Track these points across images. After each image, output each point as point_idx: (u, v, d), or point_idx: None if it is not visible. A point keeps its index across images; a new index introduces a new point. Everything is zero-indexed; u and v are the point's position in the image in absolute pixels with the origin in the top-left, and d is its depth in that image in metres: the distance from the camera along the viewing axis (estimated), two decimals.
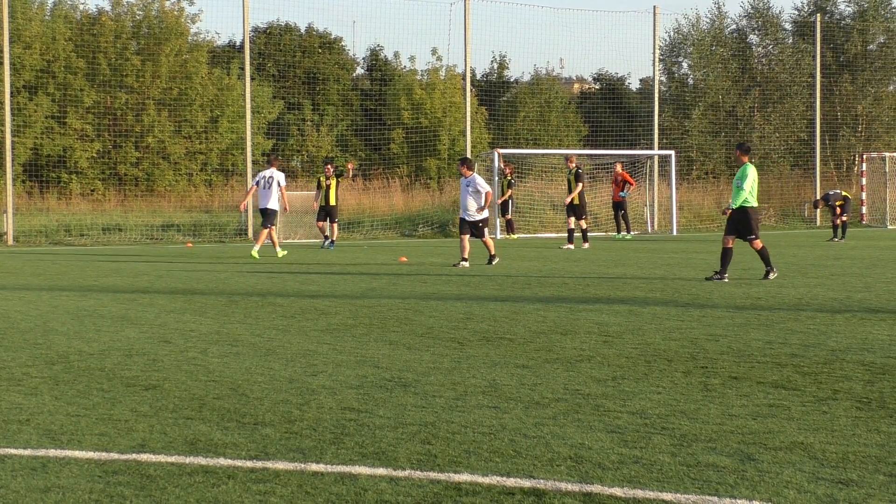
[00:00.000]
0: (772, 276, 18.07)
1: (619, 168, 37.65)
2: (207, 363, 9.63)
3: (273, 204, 26.89)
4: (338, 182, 32.09)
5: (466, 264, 22.03)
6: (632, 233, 38.06)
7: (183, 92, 46.71)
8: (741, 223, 18.14)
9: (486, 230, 22.96)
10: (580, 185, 30.29)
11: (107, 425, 7.04)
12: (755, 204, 18.29)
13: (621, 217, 37.50)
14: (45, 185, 43.98)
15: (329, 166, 32.71)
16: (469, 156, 40.78)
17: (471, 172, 22.96)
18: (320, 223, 32.38)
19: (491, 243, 23.09)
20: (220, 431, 6.84)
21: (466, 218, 22.71)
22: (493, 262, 22.69)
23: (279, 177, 27.03)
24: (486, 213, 22.85)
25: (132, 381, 8.69)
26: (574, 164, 31.21)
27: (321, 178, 32.19)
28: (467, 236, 22.58)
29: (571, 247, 30.08)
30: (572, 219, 30.50)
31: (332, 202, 31.77)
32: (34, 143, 44.34)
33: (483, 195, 22.59)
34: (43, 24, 46.21)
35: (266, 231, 27.05)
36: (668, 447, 6.34)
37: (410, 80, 51.51)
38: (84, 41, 45.93)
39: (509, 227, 38.37)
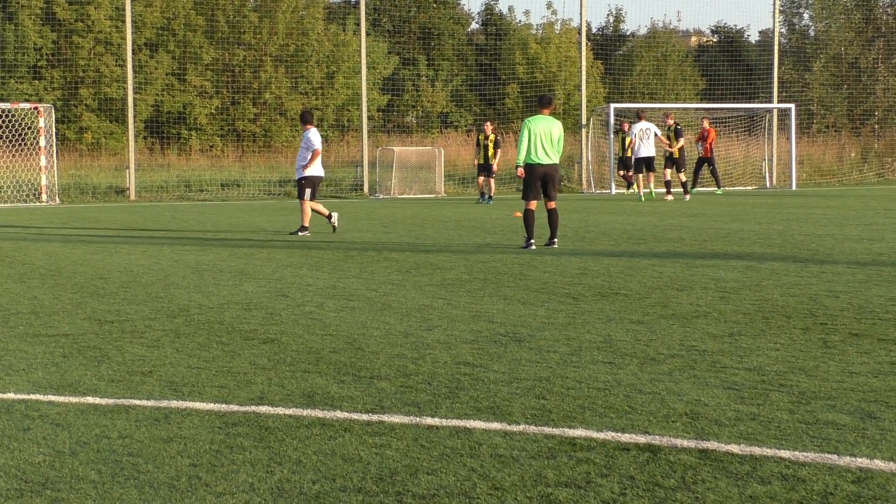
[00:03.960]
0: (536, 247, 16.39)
1: (706, 124, 36.72)
2: (324, 317, 9.73)
3: (649, 153, 31.91)
4: (497, 142, 32.71)
5: (307, 233, 19.79)
6: (722, 188, 37.46)
7: (299, 48, 47.07)
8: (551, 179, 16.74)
9: (307, 191, 20.14)
10: (681, 140, 32.47)
11: (226, 378, 7.17)
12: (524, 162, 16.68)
13: (710, 172, 36.76)
14: (165, 142, 44.74)
15: (488, 124, 33.54)
16: (584, 111, 40.51)
17: (308, 126, 20.55)
18: (480, 179, 33.12)
19: (307, 210, 20.05)
20: (336, 385, 6.92)
21: (296, 176, 20.71)
22: (300, 234, 19.68)
23: (654, 129, 32.04)
24: (311, 172, 20.21)
25: (251, 335, 8.82)
26: (672, 121, 33.24)
27: (480, 137, 33.15)
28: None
29: (670, 197, 31.99)
30: (668, 170, 32.54)
31: (492, 161, 32.47)
32: (155, 100, 45.08)
33: (310, 153, 20.23)
34: None
35: (641, 176, 32.55)
36: (786, 404, 6.26)
37: (525, 35, 51.23)
38: None
39: (627, 182, 37.92)
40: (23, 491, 4.88)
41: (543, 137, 16.49)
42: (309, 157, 20.22)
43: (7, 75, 44.12)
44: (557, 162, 16.67)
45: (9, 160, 36.39)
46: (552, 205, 16.62)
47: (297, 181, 20.53)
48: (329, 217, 20.05)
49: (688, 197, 32.13)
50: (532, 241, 16.42)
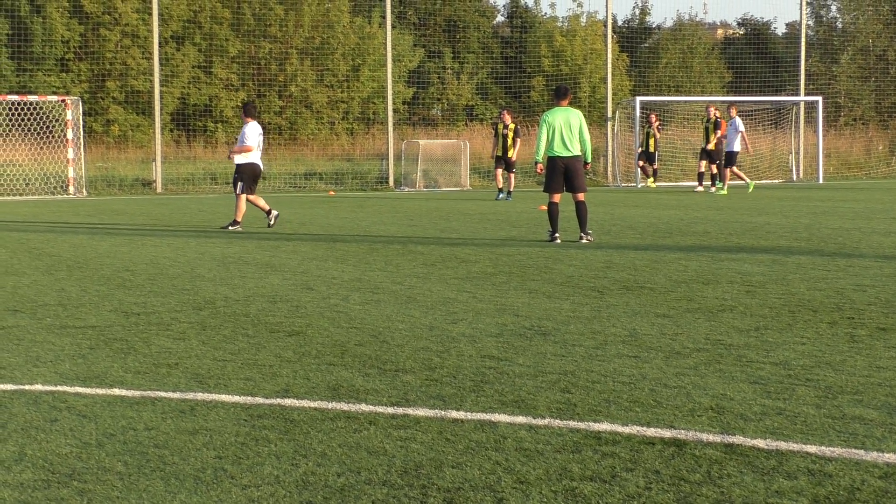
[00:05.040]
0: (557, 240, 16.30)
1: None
2: (349, 310, 9.74)
3: (735, 147, 31.82)
4: (517, 130, 30.60)
5: (238, 227, 19.53)
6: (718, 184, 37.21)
7: (325, 41, 47.10)
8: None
9: (238, 185, 19.87)
10: (718, 132, 32.66)
11: (252, 370, 7.18)
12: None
13: (715, 166, 36.62)
14: (191, 134, 44.86)
15: (506, 113, 31.05)
16: (609, 104, 40.41)
17: (248, 119, 20.37)
18: (498, 172, 30.61)
19: (242, 206, 19.74)
20: (361, 378, 6.92)
21: None
22: (230, 228, 19.52)
23: (738, 123, 32.05)
24: (240, 161, 20.02)
25: (276, 327, 8.84)
26: (714, 113, 33.35)
27: (499, 126, 30.68)
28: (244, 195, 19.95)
29: (701, 189, 33.48)
30: (704, 162, 33.48)
31: (511, 153, 30.24)
32: (181, 93, 45.21)
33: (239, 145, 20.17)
34: None
35: (728, 170, 32.04)
36: (813, 399, 6.24)
37: (551, 27, 51.15)
38: None
39: (654, 174, 37.91)
40: (49, 482, 4.91)
41: (563, 129, 16.41)
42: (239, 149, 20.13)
43: (35, 68, 44.33)
44: (579, 153, 16.56)
45: (36, 152, 36.58)
46: (580, 197, 16.51)
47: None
48: (268, 213, 19.91)
49: (701, 188, 33.32)
50: (557, 234, 16.39)
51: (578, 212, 16.46)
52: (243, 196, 19.77)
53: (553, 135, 16.45)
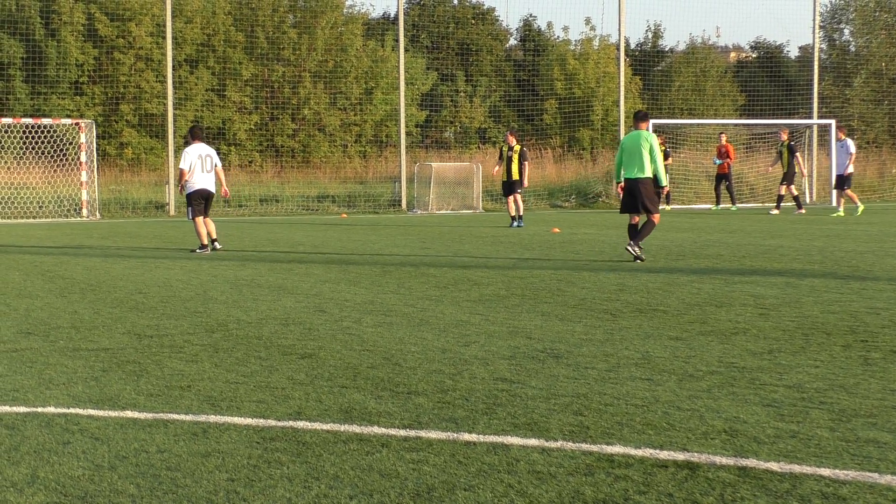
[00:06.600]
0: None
1: (723, 140, 37.31)
2: (362, 332, 9.74)
3: (849, 169, 31.85)
4: (522, 153, 28.70)
5: (206, 251, 19.80)
6: (736, 205, 37.59)
7: (338, 64, 47.26)
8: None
9: (188, 210, 20.26)
10: (796, 155, 34.48)
11: (264, 392, 7.18)
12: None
13: (725, 188, 37.14)
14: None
15: (511, 134, 29.16)
16: (622, 127, 40.42)
17: (194, 141, 20.50)
18: (510, 199, 28.64)
19: (199, 230, 19.95)
20: (374, 400, 6.92)
21: None
22: (197, 251, 19.81)
23: (850, 145, 32.09)
24: (187, 189, 20.19)
25: (289, 350, 8.84)
26: (787, 137, 35.13)
27: (503, 148, 29.06)
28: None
29: (803, 211, 34.12)
30: (783, 185, 34.51)
31: (515, 175, 28.40)
32: (195, 116, 45.37)
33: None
34: None
35: (844, 192, 32.08)
36: (827, 422, 6.21)
37: (564, 51, 51.23)
38: (242, 15, 46.79)
39: (666, 198, 38.02)
40: None
41: (630, 151, 17.00)
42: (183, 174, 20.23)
43: (49, 91, 44.54)
44: (645, 175, 16.88)
45: (50, 175, 36.72)
46: (651, 217, 16.87)
47: None
48: (202, 246, 19.89)
49: (803, 210, 33.99)
50: (640, 252, 16.62)
51: (642, 225, 16.95)
52: (198, 219, 19.99)
53: (622, 157, 17.12)
